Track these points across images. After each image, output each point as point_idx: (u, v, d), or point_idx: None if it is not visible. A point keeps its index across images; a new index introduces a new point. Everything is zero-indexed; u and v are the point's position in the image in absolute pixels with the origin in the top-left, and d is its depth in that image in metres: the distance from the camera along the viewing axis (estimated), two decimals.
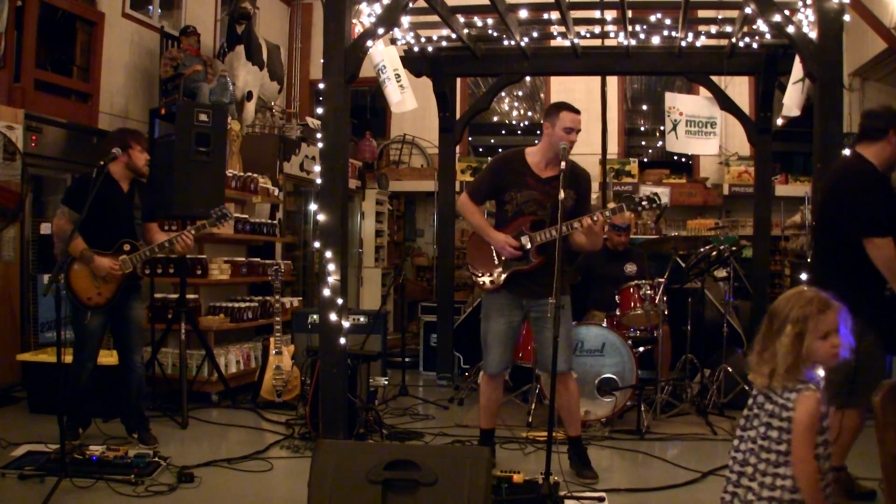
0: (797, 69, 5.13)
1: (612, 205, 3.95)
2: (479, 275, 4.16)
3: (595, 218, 3.84)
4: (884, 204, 3.43)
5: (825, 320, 2.27)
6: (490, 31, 6.25)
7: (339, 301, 4.13)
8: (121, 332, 4.58)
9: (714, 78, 6.42)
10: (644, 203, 3.89)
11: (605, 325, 5.28)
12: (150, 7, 8.27)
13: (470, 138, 11.09)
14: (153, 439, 4.50)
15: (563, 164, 3.79)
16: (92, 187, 4.02)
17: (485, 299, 4.22)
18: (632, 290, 5.44)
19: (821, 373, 2.32)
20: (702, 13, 6.28)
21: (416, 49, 6.53)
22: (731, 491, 2.35)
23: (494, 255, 4.08)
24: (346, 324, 4.19)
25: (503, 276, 4.05)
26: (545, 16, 6.03)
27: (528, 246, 3.98)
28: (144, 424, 4.57)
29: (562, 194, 3.67)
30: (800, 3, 4.83)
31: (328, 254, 4.14)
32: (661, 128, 8.73)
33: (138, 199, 4.58)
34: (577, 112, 4.01)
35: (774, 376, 2.27)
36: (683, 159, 10.11)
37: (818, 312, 2.27)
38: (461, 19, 5.98)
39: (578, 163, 4.13)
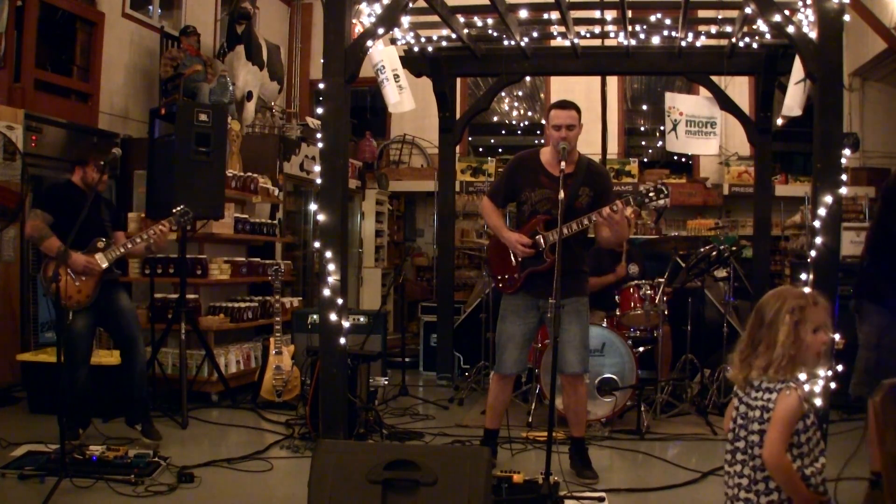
0: (798, 69, 5.13)
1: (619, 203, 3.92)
2: (497, 277, 4.17)
3: (615, 207, 3.79)
4: None
5: (818, 313, 2.26)
6: (490, 31, 6.24)
7: (339, 301, 4.12)
8: (115, 325, 4.60)
9: (714, 78, 6.42)
10: (651, 194, 3.85)
11: (605, 325, 5.29)
12: (150, 7, 8.27)
13: (470, 138, 11.08)
14: (157, 434, 4.53)
15: (562, 164, 3.79)
16: (94, 189, 4.07)
17: (502, 301, 4.23)
18: (632, 290, 5.44)
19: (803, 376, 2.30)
20: (702, 13, 6.28)
21: (416, 49, 6.53)
22: (734, 495, 2.34)
23: (511, 256, 4.09)
24: (346, 324, 4.19)
25: (521, 276, 4.06)
26: (545, 16, 6.03)
27: (542, 245, 3.98)
28: (148, 417, 4.59)
29: (562, 194, 3.67)
30: (800, 3, 4.83)
31: (328, 254, 4.14)
32: (661, 128, 8.73)
33: (104, 208, 4.67)
34: (565, 107, 3.97)
35: (771, 368, 2.25)
36: (683, 159, 10.11)
37: (812, 304, 2.26)
38: (461, 19, 5.98)
39: None
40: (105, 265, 4.43)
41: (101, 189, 4.62)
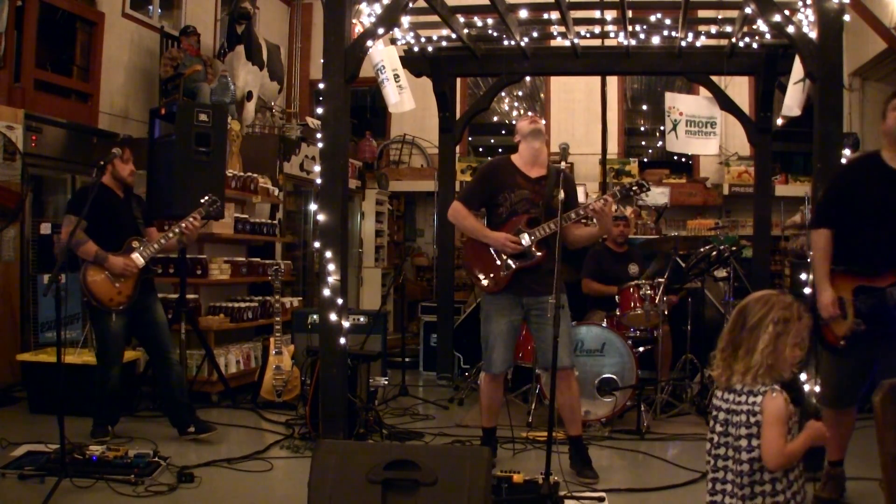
0: (798, 69, 5.14)
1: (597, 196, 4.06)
2: (481, 277, 4.17)
3: (606, 199, 3.94)
4: (840, 192, 3.50)
5: (800, 329, 2.27)
6: (490, 31, 6.25)
7: (339, 301, 4.13)
8: (148, 334, 4.68)
9: (714, 78, 6.42)
10: (634, 188, 4.00)
11: (605, 325, 5.28)
12: (150, 7, 8.28)
13: (470, 138, 11.08)
14: (211, 427, 4.63)
15: (563, 163, 3.83)
16: (91, 190, 4.08)
17: (485, 300, 4.23)
18: (632, 290, 5.44)
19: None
20: (702, 13, 6.28)
21: (416, 49, 6.53)
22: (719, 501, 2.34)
23: (494, 255, 4.09)
24: (346, 324, 4.19)
25: (506, 275, 4.06)
26: (545, 16, 6.04)
27: (529, 241, 4.00)
28: (195, 417, 4.68)
29: (562, 195, 3.73)
30: (800, 3, 4.83)
31: (328, 254, 4.14)
32: (661, 128, 8.73)
33: (136, 206, 4.71)
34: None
35: (748, 374, 2.26)
36: (683, 159, 10.10)
37: (797, 319, 2.27)
38: (461, 19, 5.98)
39: (578, 163, 4.26)
40: (142, 263, 4.51)
41: (130, 182, 4.67)
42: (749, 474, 2.24)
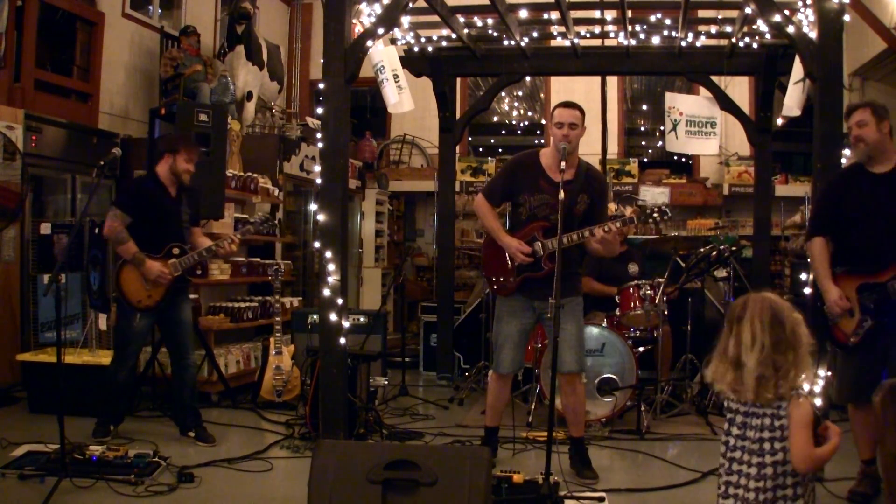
0: (798, 69, 5.13)
1: (615, 219, 3.95)
2: (493, 278, 4.16)
3: (607, 228, 3.85)
4: (825, 204, 3.73)
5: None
6: (490, 31, 6.25)
7: (339, 301, 4.13)
8: (172, 334, 4.67)
9: (714, 78, 6.42)
10: (655, 215, 3.98)
11: (605, 325, 5.28)
12: (150, 7, 8.27)
13: (470, 138, 11.07)
14: (211, 437, 4.59)
15: (562, 164, 3.79)
16: (94, 189, 4.07)
17: (497, 302, 4.23)
18: (632, 290, 5.44)
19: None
20: (702, 13, 6.28)
21: (416, 49, 6.53)
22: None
23: (507, 259, 4.08)
24: (346, 324, 4.19)
25: (516, 280, 4.06)
26: (545, 16, 6.03)
27: (540, 253, 3.98)
28: (200, 422, 4.66)
29: (562, 195, 3.66)
30: (800, 3, 4.83)
31: (328, 254, 4.14)
32: (661, 128, 8.73)
33: (186, 203, 4.67)
34: (569, 106, 3.99)
35: (783, 384, 2.22)
36: (683, 159, 10.10)
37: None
38: (461, 19, 5.98)
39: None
40: (177, 274, 4.49)
41: (185, 181, 4.62)
42: (773, 478, 2.23)
